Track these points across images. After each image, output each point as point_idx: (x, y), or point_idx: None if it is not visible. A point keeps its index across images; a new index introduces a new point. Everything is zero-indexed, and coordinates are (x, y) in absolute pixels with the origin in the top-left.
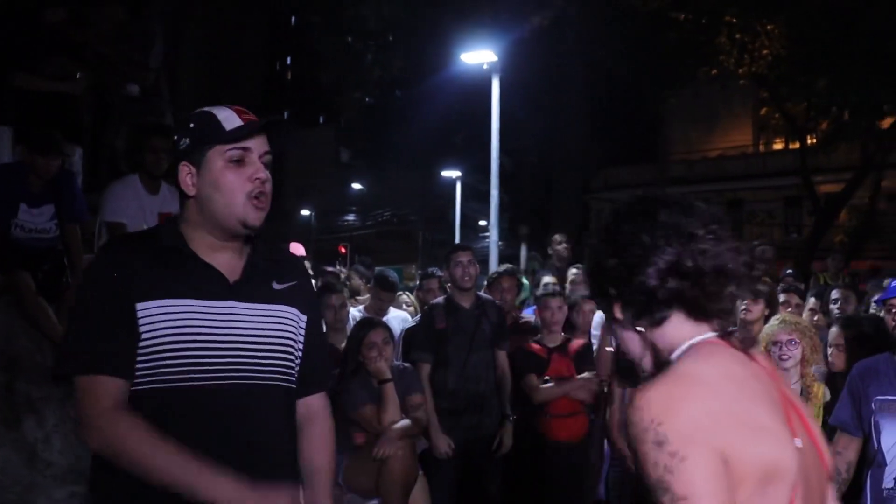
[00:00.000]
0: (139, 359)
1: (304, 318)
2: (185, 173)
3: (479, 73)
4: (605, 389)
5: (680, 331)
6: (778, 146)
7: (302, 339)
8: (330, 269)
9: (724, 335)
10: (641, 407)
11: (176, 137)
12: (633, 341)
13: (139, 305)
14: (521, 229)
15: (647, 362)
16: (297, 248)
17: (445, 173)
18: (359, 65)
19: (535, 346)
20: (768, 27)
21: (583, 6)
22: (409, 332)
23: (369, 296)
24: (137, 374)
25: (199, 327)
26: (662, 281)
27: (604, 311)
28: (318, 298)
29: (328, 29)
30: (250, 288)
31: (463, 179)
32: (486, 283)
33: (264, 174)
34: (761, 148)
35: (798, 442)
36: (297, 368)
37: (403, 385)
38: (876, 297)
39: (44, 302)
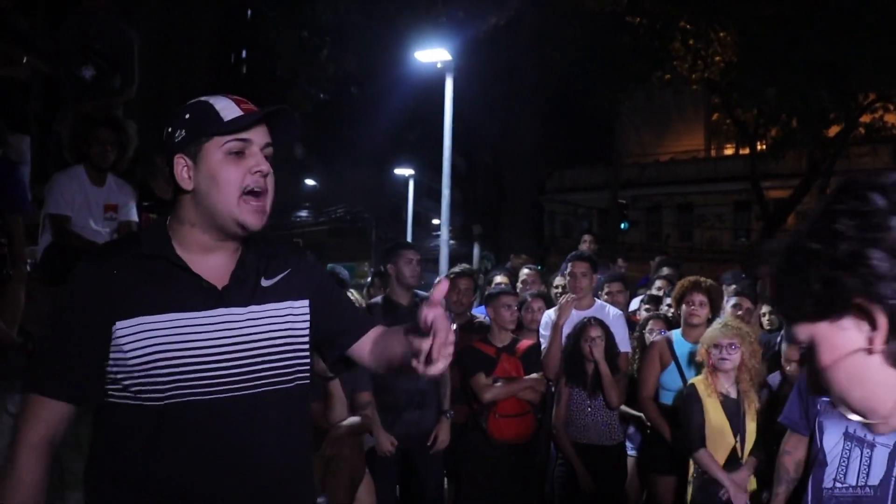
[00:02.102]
0: (126, 377)
1: (304, 303)
2: (182, 166)
3: (435, 71)
4: (553, 389)
5: None
6: (729, 151)
7: (305, 329)
8: None
9: None
10: None
11: (170, 129)
12: (882, 387)
13: (119, 324)
14: (474, 229)
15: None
16: None
17: (399, 171)
18: (314, 60)
19: (484, 346)
20: (721, 34)
21: (538, 7)
22: None
23: None
24: (126, 392)
25: (186, 342)
26: None
27: (794, 329)
28: (320, 274)
29: (283, 23)
30: (240, 291)
31: (417, 178)
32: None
33: (266, 167)
34: (712, 153)
35: None
36: (304, 362)
37: (351, 382)
38: None
39: None
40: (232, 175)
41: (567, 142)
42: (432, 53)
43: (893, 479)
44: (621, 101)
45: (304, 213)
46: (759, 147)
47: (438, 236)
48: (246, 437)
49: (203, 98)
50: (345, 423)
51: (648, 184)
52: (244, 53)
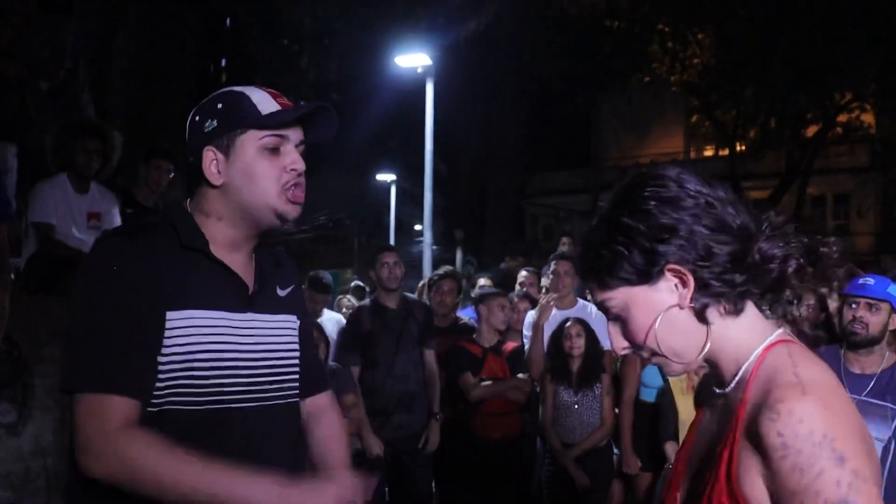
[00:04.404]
0: (161, 375)
1: (298, 322)
2: (211, 160)
3: (414, 76)
4: (538, 389)
5: (754, 327)
6: (708, 153)
7: (297, 347)
8: None
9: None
10: (804, 419)
11: (197, 118)
12: (692, 335)
13: (170, 314)
14: (456, 234)
15: (694, 363)
16: None
17: (381, 177)
18: (294, 67)
19: (471, 345)
20: (699, 36)
21: (517, 12)
22: (340, 334)
23: None
24: (157, 391)
25: (226, 343)
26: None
27: (604, 296)
28: (305, 301)
29: (263, 31)
30: (264, 297)
31: (398, 183)
32: (426, 285)
33: (302, 165)
34: (692, 155)
35: None
36: (299, 377)
37: (335, 385)
38: (845, 290)
39: None
40: (270, 172)
41: (548, 145)
42: (413, 58)
43: (885, 472)
44: (601, 104)
45: None
46: (738, 148)
47: (421, 242)
48: (267, 449)
49: (236, 88)
50: None
51: None
52: (223, 62)
